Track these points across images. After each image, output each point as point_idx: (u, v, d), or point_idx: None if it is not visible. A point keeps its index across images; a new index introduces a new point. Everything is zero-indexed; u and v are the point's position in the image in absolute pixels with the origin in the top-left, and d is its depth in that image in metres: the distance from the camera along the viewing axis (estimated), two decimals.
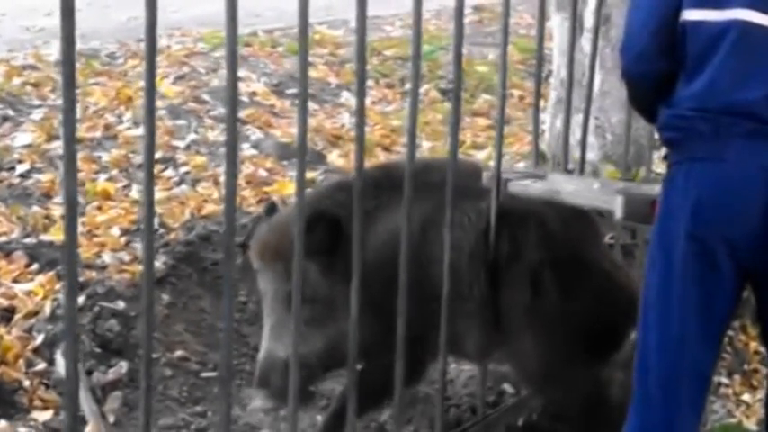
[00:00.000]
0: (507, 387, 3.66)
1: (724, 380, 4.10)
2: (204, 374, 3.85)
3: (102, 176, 5.26)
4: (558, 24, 4.42)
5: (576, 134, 3.91)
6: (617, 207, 3.06)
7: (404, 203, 2.92)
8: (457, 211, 3.11)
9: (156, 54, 2.35)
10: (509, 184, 3.24)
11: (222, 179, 5.18)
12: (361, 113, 2.78)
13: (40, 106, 6.18)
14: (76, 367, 2.33)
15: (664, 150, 2.90)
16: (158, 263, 4.26)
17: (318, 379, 3.40)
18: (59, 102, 6.79)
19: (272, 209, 3.56)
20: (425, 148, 5.54)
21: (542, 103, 5.21)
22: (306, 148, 2.72)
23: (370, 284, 2.92)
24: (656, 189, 3.02)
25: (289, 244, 2.82)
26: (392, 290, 2.96)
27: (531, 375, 3.38)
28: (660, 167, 3.85)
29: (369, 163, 5.28)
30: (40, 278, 4.24)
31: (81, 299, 4.02)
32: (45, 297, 4.10)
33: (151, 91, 2.36)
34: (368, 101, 6.39)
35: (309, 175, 5.25)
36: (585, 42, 4.07)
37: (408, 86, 6.61)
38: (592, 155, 4.29)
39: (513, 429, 3.50)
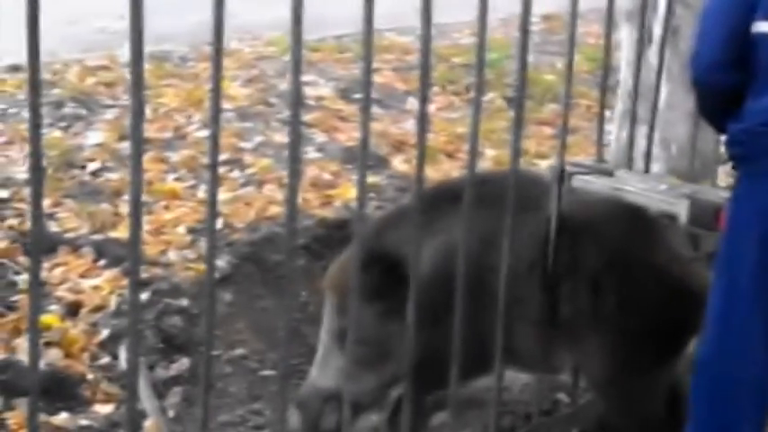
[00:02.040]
0: (563, 396, 3.66)
1: None
2: (263, 373, 3.90)
3: (171, 176, 5.35)
4: (626, 35, 4.41)
5: (641, 146, 3.89)
6: (681, 211, 3.02)
7: (463, 213, 2.92)
8: (516, 222, 3.11)
9: (224, 57, 2.40)
10: (573, 178, 3.21)
11: (286, 181, 5.27)
12: (423, 121, 2.80)
13: (112, 106, 6.29)
14: (137, 362, 2.39)
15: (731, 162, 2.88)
16: (222, 262, 4.34)
17: (366, 412, 3.44)
18: (130, 102, 6.87)
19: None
20: (489, 156, 5.55)
21: (608, 113, 5.21)
22: (367, 157, 2.74)
23: (429, 299, 2.92)
24: (724, 195, 3.00)
25: (346, 281, 2.81)
26: (451, 304, 2.96)
27: (594, 381, 3.38)
28: (726, 181, 3.82)
29: (431, 169, 5.33)
30: (107, 274, 4.33)
31: (146, 295, 4.10)
32: (110, 292, 4.19)
33: (217, 93, 2.41)
34: (433, 107, 6.43)
35: (372, 179, 5.30)
36: (653, 54, 4.05)
37: (474, 93, 6.64)
38: (657, 167, 4.27)
39: None
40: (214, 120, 2.41)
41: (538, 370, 3.42)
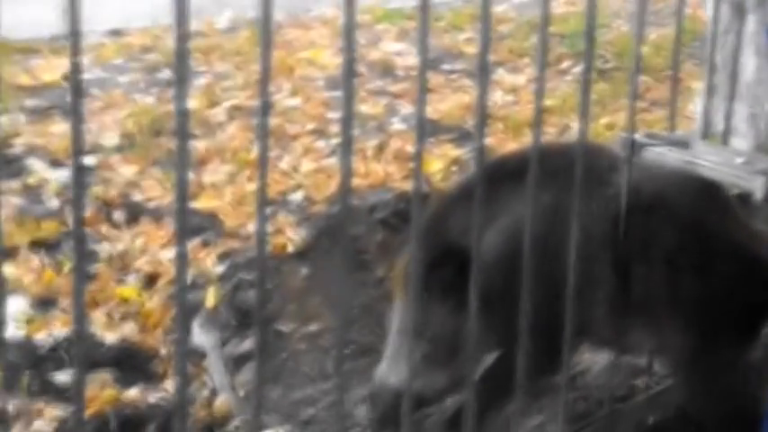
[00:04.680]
0: (639, 383, 3.57)
1: None
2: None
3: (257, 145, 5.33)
4: (713, 7, 4.26)
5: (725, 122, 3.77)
6: (757, 188, 2.91)
7: (528, 188, 2.84)
8: (584, 198, 3.01)
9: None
10: (644, 150, 3.11)
11: (370, 153, 5.23)
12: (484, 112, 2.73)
13: (205, 72, 6.32)
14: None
15: None
16: (299, 236, 4.32)
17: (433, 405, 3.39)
18: (224, 69, 6.86)
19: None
20: (577, 129, 5.43)
21: (696, 85, 5.07)
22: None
23: (495, 281, 2.86)
24: None
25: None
26: (518, 283, 2.89)
27: (672, 364, 3.30)
28: None
29: (515, 142, 5.25)
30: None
31: (221, 268, 4.11)
32: (189, 265, 4.20)
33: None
34: (523, 78, 6.33)
35: (456, 152, 5.23)
36: (743, 26, 3.92)
37: (565, 64, 6.52)
38: (744, 144, 4.14)
39: (642, 427, 3.41)
40: (263, 112, 2.38)
41: (614, 349, 3.34)
